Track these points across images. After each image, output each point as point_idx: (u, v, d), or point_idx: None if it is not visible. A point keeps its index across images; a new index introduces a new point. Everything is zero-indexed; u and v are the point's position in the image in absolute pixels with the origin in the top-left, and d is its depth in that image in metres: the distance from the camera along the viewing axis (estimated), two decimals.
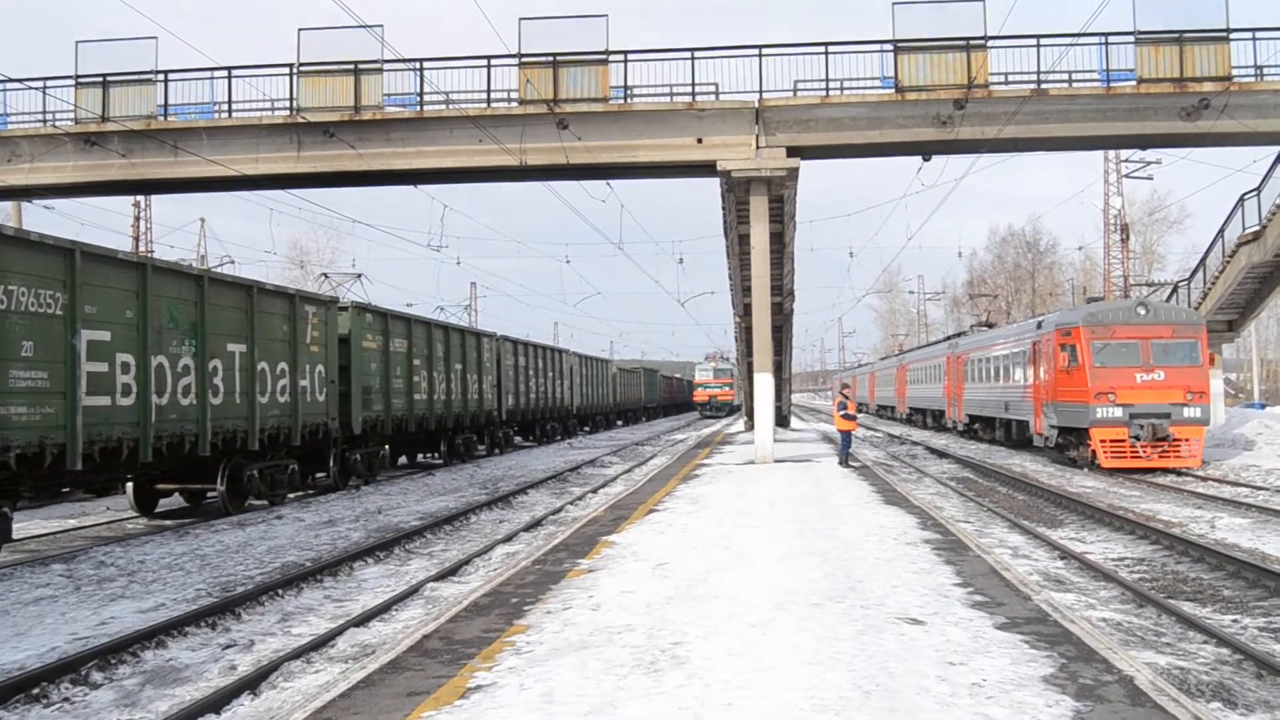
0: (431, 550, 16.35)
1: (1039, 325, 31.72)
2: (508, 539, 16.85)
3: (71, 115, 28.24)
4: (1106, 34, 26.48)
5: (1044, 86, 26.31)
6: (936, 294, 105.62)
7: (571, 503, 22.15)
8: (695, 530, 14.63)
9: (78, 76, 28.19)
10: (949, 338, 54.14)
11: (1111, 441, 25.91)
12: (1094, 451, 26.30)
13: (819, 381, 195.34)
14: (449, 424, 32.94)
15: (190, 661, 9.59)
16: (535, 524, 18.85)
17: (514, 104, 27.50)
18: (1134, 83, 26.17)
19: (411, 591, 12.48)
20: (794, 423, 57.62)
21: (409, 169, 28.42)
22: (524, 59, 27.33)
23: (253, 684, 8.67)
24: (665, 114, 27.34)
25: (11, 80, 25.88)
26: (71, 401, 14.95)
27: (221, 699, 8.27)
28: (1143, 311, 27.17)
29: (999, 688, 6.85)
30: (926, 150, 28.44)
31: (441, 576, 13.50)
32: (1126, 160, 56.45)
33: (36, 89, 28.27)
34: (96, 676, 8.99)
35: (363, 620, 10.91)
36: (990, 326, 47.25)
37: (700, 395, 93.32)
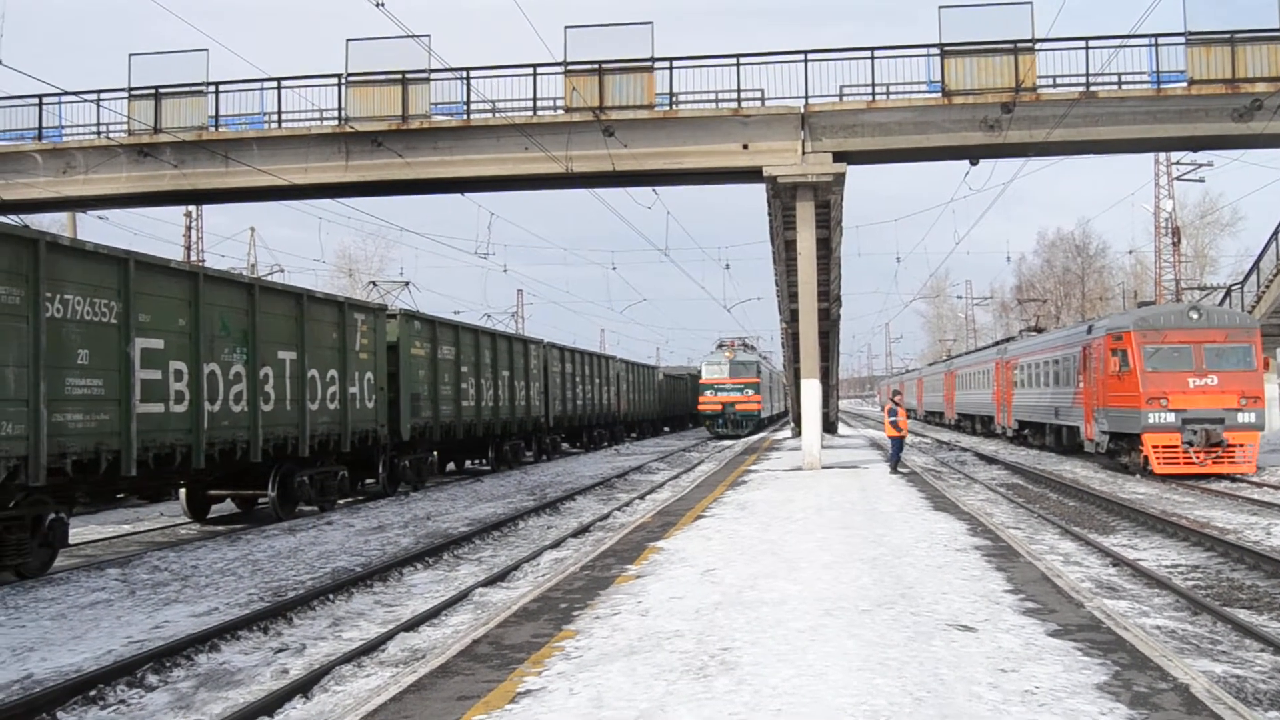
0: (480, 556, 16.42)
1: (1089, 330, 31.39)
2: (556, 545, 16.90)
3: (125, 127, 28.65)
4: (1156, 35, 26.22)
5: (1093, 89, 26.06)
6: (984, 299, 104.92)
7: (619, 509, 22.17)
8: (743, 536, 14.61)
9: (131, 89, 28.62)
10: (998, 343, 53.71)
11: (1164, 447, 25.57)
12: (1146, 457, 25.96)
13: (866, 388, 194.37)
14: (497, 430, 33.08)
15: (243, 665, 9.69)
16: (583, 530, 18.89)
17: (560, 112, 27.61)
18: (1185, 84, 25.87)
19: (461, 597, 12.54)
20: (841, 429, 57.37)
21: (456, 177, 28.61)
22: (570, 67, 27.44)
23: (305, 687, 8.75)
24: (710, 120, 27.34)
25: (67, 93, 26.34)
26: (126, 408, 15.16)
27: (274, 702, 8.36)
28: (1195, 315, 26.81)
29: (1052, 695, 6.79)
30: (974, 154, 28.26)
31: (490, 582, 13.56)
32: (1178, 162, 55.77)
33: (91, 101, 28.71)
34: (151, 679, 9.11)
35: (413, 625, 10.98)
36: (1039, 331, 46.83)
37: (708, 402, 59.11)
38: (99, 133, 29.17)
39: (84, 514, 21.27)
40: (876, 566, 11.73)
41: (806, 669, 7.44)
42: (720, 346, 61.55)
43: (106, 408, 14.84)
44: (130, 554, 16.41)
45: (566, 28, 27.42)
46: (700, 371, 61.75)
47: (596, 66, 27.32)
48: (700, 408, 59.60)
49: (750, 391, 58.07)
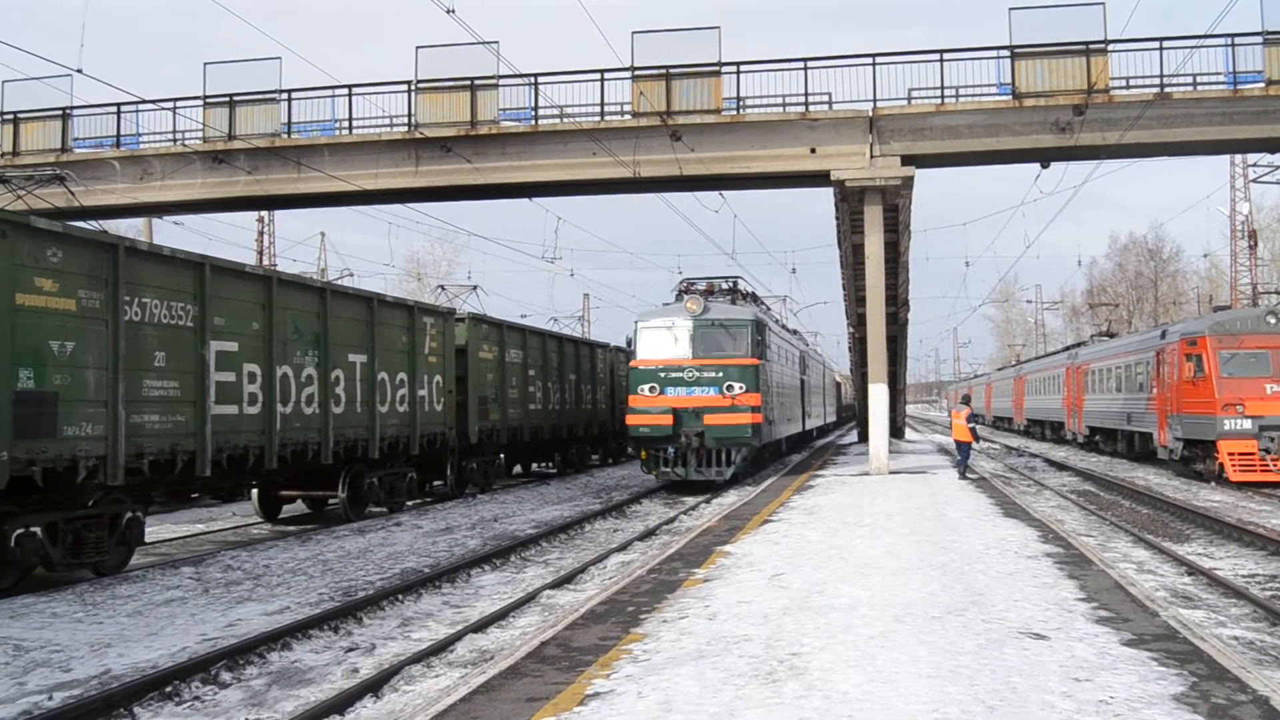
0: (547, 558, 16.49)
1: (1163, 335, 30.87)
2: (622, 548, 16.92)
3: (200, 134, 29.16)
4: (1233, 35, 25.71)
5: (1167, 90, 25.61)
6: (1055, 303, 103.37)
7: (685, 512, 22.15)
8: (811, 541, 14.54)
9: (206, 97, 29.12)
10: (1068, 348, 52.99)
11: (1240, 454, 25.07)
12: (1221, 465, 25.48)
13: (933, 393, 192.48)
14: (563, 433, 33.20)
15: (314, 664, 9.81)
16: (649, 533, 18.91)
17: (627, 117, 27.67)
18: (1262, 84, 25.34)
19: (528, 599, 12.61)
20: (909, 434, 56.86)
21: (524, 182, 28.78)
22: (637, 72, 27.49)
23: (375, 687, 8.84)
24: (778, 124, 27.25)
25: (144, 101, 26.84)
26: (201, 410, 15.43)
27: (345, 701, 8.45)
28: (1273, 320, 26.27)
29: (1127, 705, 6.68)
30: (1045, 158, 27.93)
31: (557, 584, 13.61)
32: (1254, 164, 54.60)
33: (167, 109, 29.26)
34: (225, 676, 9.25)
35: (481, 626, 11.05)
36: (1111, 336, 46.12)
37: (641, 409, 26.44)
38: (175, 140, 29.73)
39: (159, 513, 21.67)
40: (946, 573, 11.62)
41: (876, 675, 7.38)
42: (682, 295, 28.68)
43: (182, 409, 15.11)
44: (204, 553, 16.68)
45: (634, 33, 27.48)
46: (631, 344, 28.20)
47: (664, 71, 27.35)
48: (628, 421, 26.87)
49: (736, 388, 26.32)
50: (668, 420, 25.38)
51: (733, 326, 26.73)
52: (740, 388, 25.86)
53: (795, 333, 44.92)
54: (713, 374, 26.02)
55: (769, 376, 28.83)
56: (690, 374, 25.97)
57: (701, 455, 25.76)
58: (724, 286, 30.00)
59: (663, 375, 26.06)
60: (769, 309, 35.87)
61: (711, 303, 27.36)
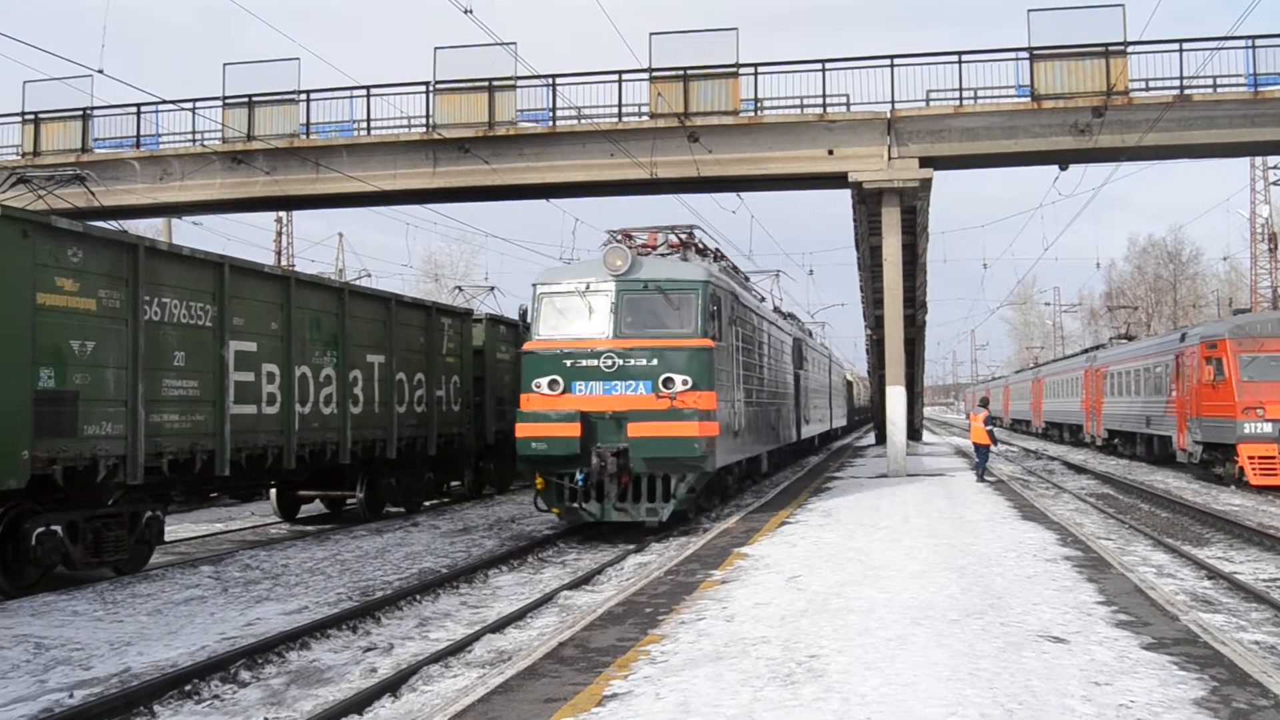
0: (564, 559, 16.49)
1: (1182, 338, 30.73)
2: (639, 549, 16.90)
3: (219, 134, 29.29)
4: (1254, 37, 25.61)
5: (1187, 92, 25.52)
6: (1073, 306, 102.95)
7: (702, 513, 22.08)
8: (828, 543, 14.52)
9: (225, 97, 29.25)
10: (1087, 350, 52.80)
11: (1260, 458, 24.92)
12: (1241, 468, 25.33)
13: (950, 395, 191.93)
14: None
15: (332, 663, 9.83)
16: (667, 535, 18.88)
17: (645, 118, 27.70)
18: None
19: (546, 599, 12.61)
20: (926, 436, 56.65)
21: (541, 183, 28.82)
22: (655, 73, 27.51)
23: (393, 686, 8.85)
24: (796, 126, 27.24)
25: (164, 102, 26.96)
26: (220, 410, 15.48)
27: (363, 700, 8.47)
28: None
29: (1148, 709, 6.65)
30: (1063, 160, 27.85)
31: (575, 585, 13.61)
32: (1275, 167, 54.36)
33: (187, 110, 29.40)
34: (244, 675, 9.28)
35: (499, 627, 11.06)
36: (1130, 339, 45.94)
37: (535, 414, 17.49)
38: (194, 140, 29.89)
39: (178, 512, 21.76)
40: (965, 575, 11.58)
41: (895, 678, 7.37)
42: (611, 245, 19.39)
43: (201, 408, 15.16)
44: (223, 552, 16.75)
45: (651, 34, 27.51)
46: (527, 318, 19.22)
47: (681, 72, 27.37)
48: (517, 432, 17.83)
49: (677, 382, 17.45)
50: (573, 430, 17.04)
51: (675, 291, 18.05)
52: (684, 382, 17.27)
53: (790, 317, 36.01)
54: (643, 361, 17.44)
55: (735, 366, 20.46)
56: (609, 361, 17.42)
57: (625, 485, 17.35)
58: (676, 239, 21.09)
59: (568, 364, 17.55)
60: (744, 277, 26.41)
61: (647, 259, 18.99)
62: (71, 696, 8.49)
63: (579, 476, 17.21)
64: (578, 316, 18.04)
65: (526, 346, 18.08)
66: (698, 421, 17.15)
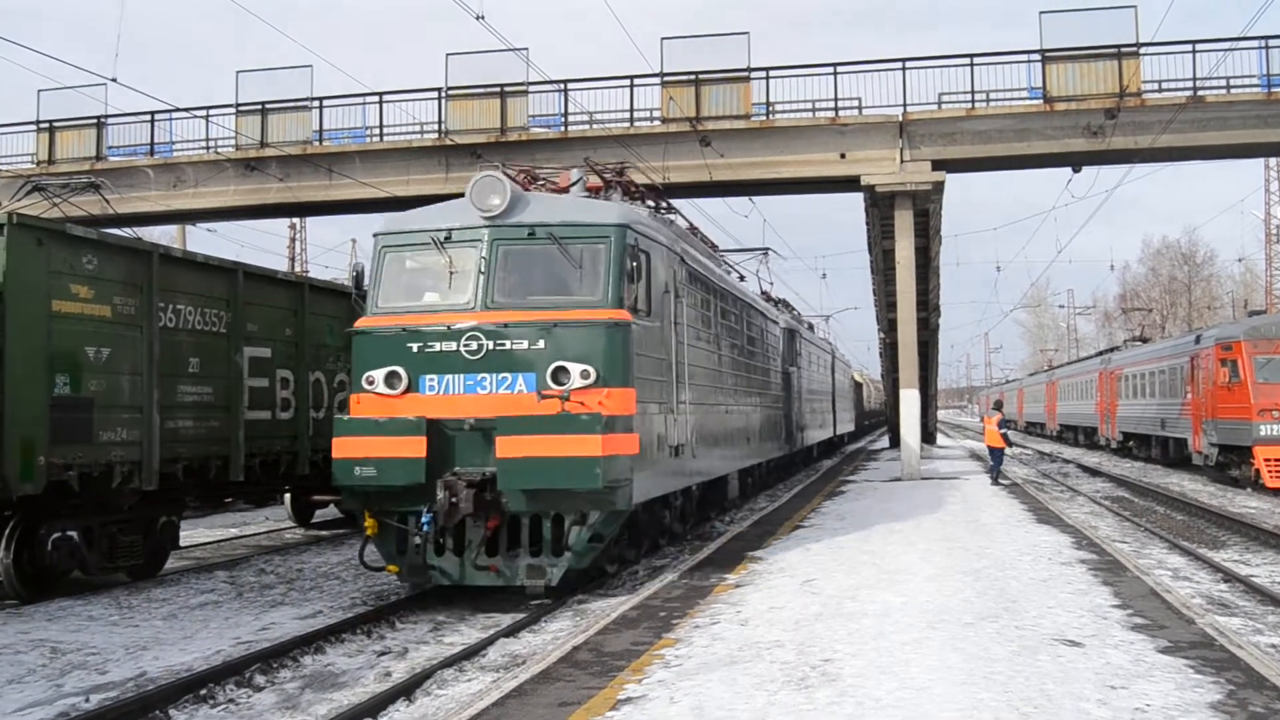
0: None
1: (1197, 340, 30.61)
2: (653, 552, 16.88)
3: (233, 142, 29.42)
4: (1267, 37, 25.56)
5: (1200, 93, 25.47)
6: (1087, 308, 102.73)
7: (715, 517, 22.07)
8: (842, 547, 14.50)
9: (239, 105, 29.40)
10: (1101, 353, 52.64)
11: (1276, 460, 24.79)
12: (1257, 471, 25.21)
13: (964, 398, 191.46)
14: None
15: (347, 667, 9.84)
16: (680, 538, 18.86)
17: (657, 123, 27.76)
18: None
19: (560, 603, 12.60)
20: (940, 439, 56.55)
21: None
22: (666, 78, 27.57)
23: (407, 690, 8.85)
24: (808, 130, 27.27)
25: (178, 109, 27.11)
26: (234, 415, 15.52)
27: (378, 704, 8.47)
28: None
29: (1163, 713, 6.63)
30: (1076, 162, 27.83)
31: (589, 589, 13.60)
32: None
33: (200, 117, 29.57)
34: (259, 679, 9.29)
35: (512, 631, 11.05)
36: (1144, 341, 45.78)
37: (356, 434, 11.86)
38: (208, 148, 30.04)
39: (193, 518, 21.80)
40: (980, 579, 11.56)
41: (910, 682, 7.35)
42: (483, 175, 12.82)
43: (216, 414, 15.21)
44: (237, 557, 16.80)
45: (663, 39, 27.61)
46: (364, 285, 13.43)
47: (693, 77, 27.43)
48: (335, 451, 12.10)
49: (574, 374, 11.74)
50: (415, 448, 11.65)
51: (576, 240, 12.43)
52: (585, 374, 11.79)
53: (783, 305, 30.39)
54: (524, 344, 11.99)
55: (677, 354, 14.40)
56: (474, 344, 11.99)
57: (494, 531, 11.92)
58: (598, 179, 15.46)
59: (415, 349, 12.22)
60: (692, 231, 19.40)
61: (537, 196, 13.29)
62: (88, 700, 8.52)
63: (425, 518, 11.44)
64: (432, 280, 12.74)
65: (359, 324, 12.60)
66: (601, 435, 11.18)
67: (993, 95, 26.68)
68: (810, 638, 8.82)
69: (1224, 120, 25.83)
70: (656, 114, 27.86)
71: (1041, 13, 26.33)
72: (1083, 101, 25.94)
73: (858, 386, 63.51)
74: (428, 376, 12.03)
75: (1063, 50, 26.24)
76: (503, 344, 11.88)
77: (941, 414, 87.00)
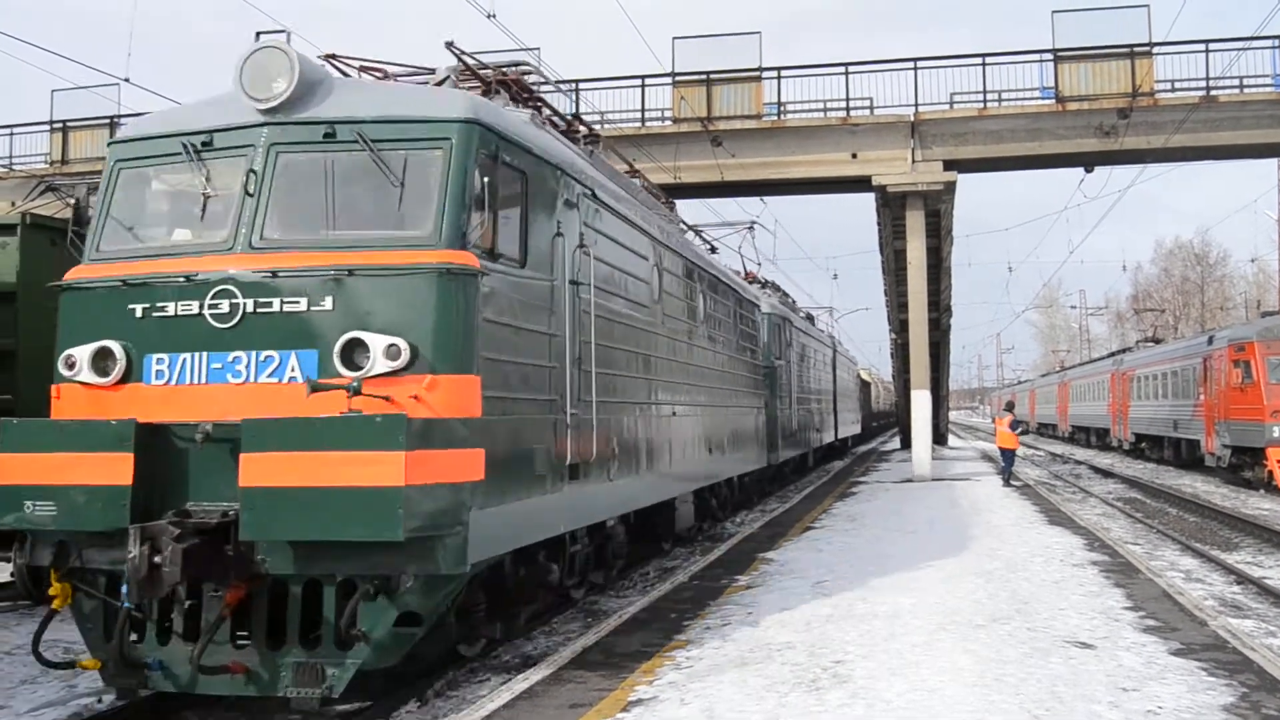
0: None
1: (1210, 340, 30.51)
2: (663, 554, 16.88)
3: None
4: None
5: (1213, 93, 25.40)
6: (1099, 309, 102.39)
7: (726, 518, 22.07)
8: (854, 548, 14.49)
9: None
10: (1114, 354, 52.49)
11: None
12: (1270, 472, 25.11)
13: (976, 399, 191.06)
14: None
15: None
16: (690, 539, 18.85)
17: (668, 122, 27.76)
18: None
19: (570, 604, 12.60)
20: (951, 440, 56.46)
21: None
22: (678, 78, 27.57)
23: (418, 691, 8.85)
24: (819, 130, 27.26)
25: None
26: None
27: (389, 706, 8.47)
28: None
29: (1175, 716, 6.62)
30: (1089, 162, 27.79)
31: (600, 589, 13.60)
32: None
33: None
34: None
35: (523, 631, 11.05)
36: (1157, 342, 45.65)
37: (30, 446, 7.34)
38: None
39: None
40: (991, 580, 11.54)
41: (921, 684, 7.34)
42: (260, 46, 7.97)
43: None
44: None
45: (674, 39, 27.63)
46: (78, 232, 9.67)
47: (704, 77, 27.44)
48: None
49: (376, 349, 7.13)
50: (114, 473, 7.14)
51: (393, 145, 7.75)
52: (393, 351, 7.17)
53: (771, 287, 26.84)
54: (298, 302, 7.44)
55: (568, 324, 9.34)
56: (223, 305, 7.49)
57: (237, 606, 7.28)
58: (495, 81, 10.88)
59: (137, 314, 7.73)
60: (669, 202, 17.22)
61: (343, 81, 8.61)
62: (100, 702, 8.55)
63: (124, 587, 7.00)
64: (178, 207, 8.55)
65: (67, 277, 8.26)
66: (404, 450, 6.74)
67: (1005, 95, 26.66)
68: (821, 639, 8.81)
69: (1237, 120, 25.76)
70: (668, 114, 27.89)
71: (1054, 12, 26.33)
72: (1095, 101, 25.89)
73: (864, 386, 58.84)
74: (156, 356, 7.63)
75: (1075, 50, 26.19)
76: (268, 303, 7.44)
77: (953, 415, 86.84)
